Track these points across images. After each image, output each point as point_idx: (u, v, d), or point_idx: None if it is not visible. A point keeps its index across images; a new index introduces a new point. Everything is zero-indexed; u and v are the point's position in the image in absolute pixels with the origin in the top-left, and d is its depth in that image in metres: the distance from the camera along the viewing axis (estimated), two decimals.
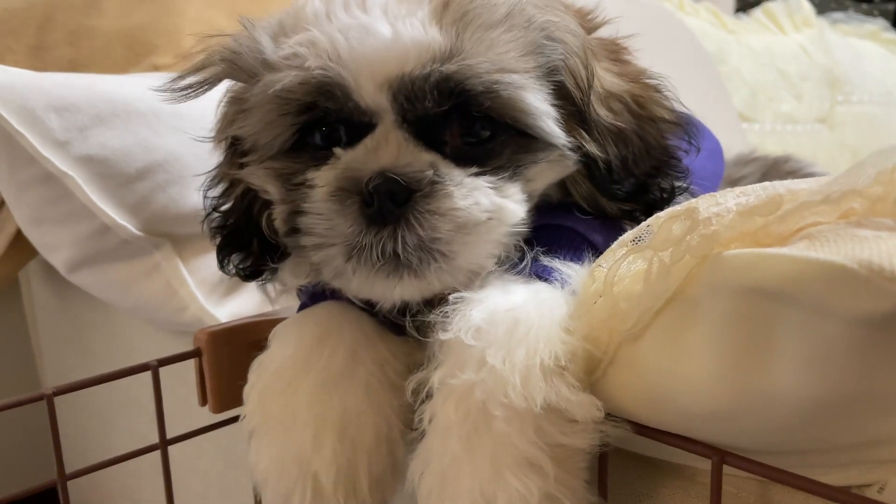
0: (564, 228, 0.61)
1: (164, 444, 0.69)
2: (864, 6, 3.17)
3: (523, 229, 0.59)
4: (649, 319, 0.46)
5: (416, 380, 0.53)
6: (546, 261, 0.56)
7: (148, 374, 0.67)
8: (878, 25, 2.81)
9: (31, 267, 1.31)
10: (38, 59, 1.18)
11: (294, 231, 0.58)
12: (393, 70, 0.54)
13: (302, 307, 0.66)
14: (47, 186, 0.93)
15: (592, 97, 0.61)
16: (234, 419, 0.67)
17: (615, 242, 0.52)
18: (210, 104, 0.66)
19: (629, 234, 0.50)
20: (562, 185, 0.63)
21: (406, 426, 0.59)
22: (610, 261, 0.50)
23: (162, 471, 0.70)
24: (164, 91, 0.63)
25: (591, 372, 0.50)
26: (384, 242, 0.54)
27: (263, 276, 0.69)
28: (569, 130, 0.59)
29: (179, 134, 0.97)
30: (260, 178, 0.63)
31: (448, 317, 0.52)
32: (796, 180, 0.46)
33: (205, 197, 0.70)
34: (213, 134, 0.68)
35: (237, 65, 0.61)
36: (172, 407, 0.71)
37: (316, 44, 0.55)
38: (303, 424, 0.56)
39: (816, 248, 0.38)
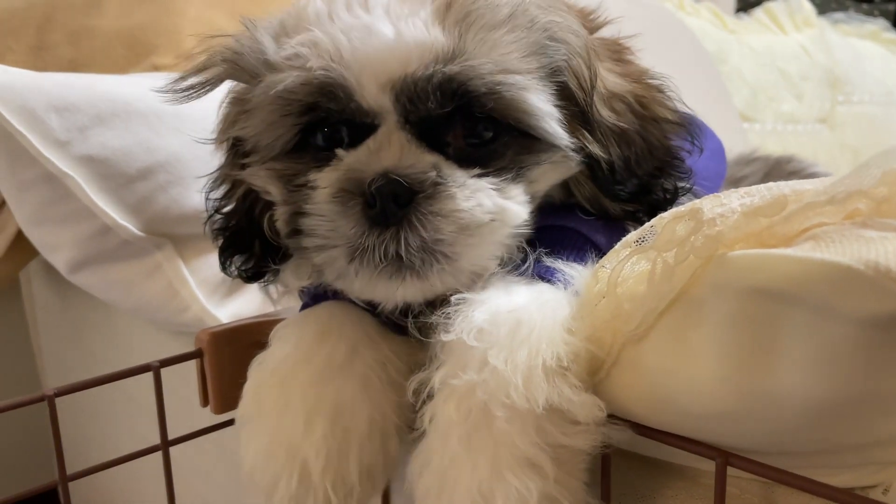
0: (567, 229, 0.61)
1: (166, 444, 0.69)
2: (865, 6, 3.18)
3: (526, 230, 0.58)
4: (653, 320, 0.45)
5: (417, 380, 0.53)
6: (549, 262, 0.56)
7: (149, 375, 0.67)
8: (878, 25, 2.81)
9: (31, 267, 1.31)
10: (39, 58, 1.18)
11: (296, 232, 0.58)
12: (395, 71, 0.54)
13: (304, 308, 0.66)
14: (48, 187, 0.93)
15: (595, 98, 0.60)
16: None
17: (619, 243, 0.52)
18: (211, 105, 0.66)
19: (633, 235, 0.50)
20: (564, 185, 0.63)
21: (405, 424, 0.58)
22: (613, 261, 0.49)
23: (163, 472, 0.70)
24: (166, 92, 0.63)
25: (594, 373, 0.50)
26: (387, 244, 0.53)
27: (265, 278, 0.69)
28: (572, 131, 0.59)
29: (180, 134, 0.97)
30: (262, 179, 0.62)
31: (450, 318, 0.51)
32: (801, 181, 0.46)
33: (206, 199, 0.70)
34: (214, 135, 0.68)
35: (239, 65, 0.60)
36: (174, 408, 0.71)
37: (318, 44, 0.55)
38: (295, 412, 0.56)
39: (822, 249, 0.38)
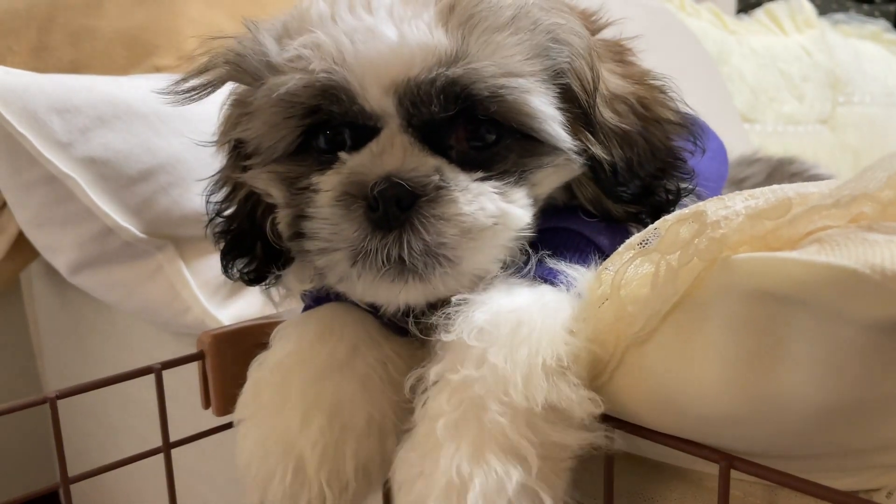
0: (570, 231, 0.61)
1: (168, 447, 0.69)
2: (866, 7, 3.18)
3: (528, 233, 0.58)
4: (657, 323, 0.45)
5: (415, 376, 0.52)
6: (551, 264, 0.56)
7: (151, 377, 0.67)
8: (879, 26, 2.81)
9: (32, 268, 1.30)
10: (40, 59, 1.17)
11: (298, 235, 0.58)
12: (398, 74, 0.54)
13: (306, 309, 0.65)
14: (49, 188, 0.93)
15: (598, 99, 0.60)
16: None
17: (622, 245, 0.52)
18: (213, 107, 0.66)
19: (636, 237, 0.50)
20: (567, 187, 0.63)
21: (403, 423, 0.58)
22: (617, 264, 0.49)
23: (165, 474, 0.70)
24: (168, 93, 0.62)
25: (597, 375, 0.50)
26: (389, 247, 0.53)
27: (268, 281, 0.69)
28: (574, 133, 0.59)
29: (182, 136, 0.97)
30: (263, 181, 0.62)
31: (451, 318, 0.51)
32: (805, 183, 0.46)
33: (206, 202, 0.70)
34: (216, 137, 0.67)
35: (241, 67, 0.60)
36: (176, 410, 0.71)
37: (320, 46, 0.55)
38: (293, 408, 0.55)
39: (827, 253, 0.38)
